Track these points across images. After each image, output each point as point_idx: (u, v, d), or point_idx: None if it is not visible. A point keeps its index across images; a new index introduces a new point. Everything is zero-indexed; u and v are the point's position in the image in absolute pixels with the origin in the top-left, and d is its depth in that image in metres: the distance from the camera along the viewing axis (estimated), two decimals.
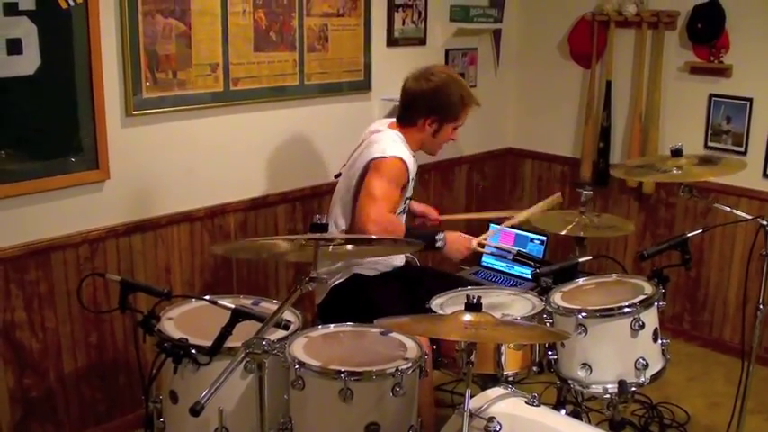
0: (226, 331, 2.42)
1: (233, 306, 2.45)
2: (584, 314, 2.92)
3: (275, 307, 2.99)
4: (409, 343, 2.79)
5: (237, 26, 3.83)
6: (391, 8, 4.57)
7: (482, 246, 3.59)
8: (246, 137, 4.03)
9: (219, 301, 2.60)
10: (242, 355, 2.21)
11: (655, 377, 2.95)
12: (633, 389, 2.91)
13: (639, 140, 4.87)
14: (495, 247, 3.79)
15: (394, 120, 3.58)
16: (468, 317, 2.40)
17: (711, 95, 4.62)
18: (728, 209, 3.24)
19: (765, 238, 3.08)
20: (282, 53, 4.06)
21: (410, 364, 2.62)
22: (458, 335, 2.43)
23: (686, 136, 4.61)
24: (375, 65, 4.51)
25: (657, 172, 3.26)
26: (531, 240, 4.73)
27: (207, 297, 2.78)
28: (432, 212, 3.91)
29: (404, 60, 4.35)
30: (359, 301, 3.39)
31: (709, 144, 4.65)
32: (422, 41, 4.80)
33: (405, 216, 3.60)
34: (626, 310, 2.89)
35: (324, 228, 2.44)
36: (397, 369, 2.57)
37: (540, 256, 4.59)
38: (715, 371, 4.55)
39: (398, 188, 3.37)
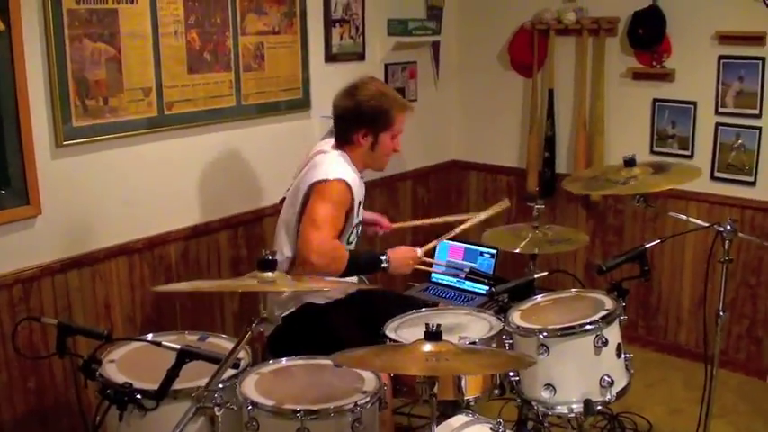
0: (172, 374, 2.30)
1: (179, 347, 2.31)
2: (545, 334, 2.84)
3: (223, 342, 2.91)
4: (366, 374, 2.67)
5: (170, 48, 3.68)
6: (328, 24, 4.47)
7: (429, 254, 3.46)
8: (184, 162, 3.88)
9: (164, 342, 2.46)
10: (192, 411, 2.08)
11: (620, 393, 2.88)
12: (599, 407, 2.85)
13: (585, 148, 4.84)
14: (447, 266, 3.67)
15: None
16: (428, 347, 2.29)
17: (655, 100, 4.61)
18: (684, 217, 3.19)
19: (723, 245, 3.04)
20: (218, 74, 3.92)
21: (369, 398, 2.51)
22: (420, 368, 2.29)
23: (632, 142, 4.61)
24: (314, 82, 4.41)
25: (614, 184, 3.17)
26: (481, 254, 4.64)
27: (150, 338, 2.64)
28: (382, 221, 3.81)
29: (343, 76, 4.20)
30: (312, 331, 3.27)
31: (655, 149, 4.64)
32: (361, 56, 4.71)
33: (356, 244, 3.47)
34: (588, 327, 2.82)
35: (272, 264, 2.31)
36: (355, 404, 2.45)
37: (491, 271, 4.51)
38: (673, 376, 4.52)
39: (343, 211, 3.23)
